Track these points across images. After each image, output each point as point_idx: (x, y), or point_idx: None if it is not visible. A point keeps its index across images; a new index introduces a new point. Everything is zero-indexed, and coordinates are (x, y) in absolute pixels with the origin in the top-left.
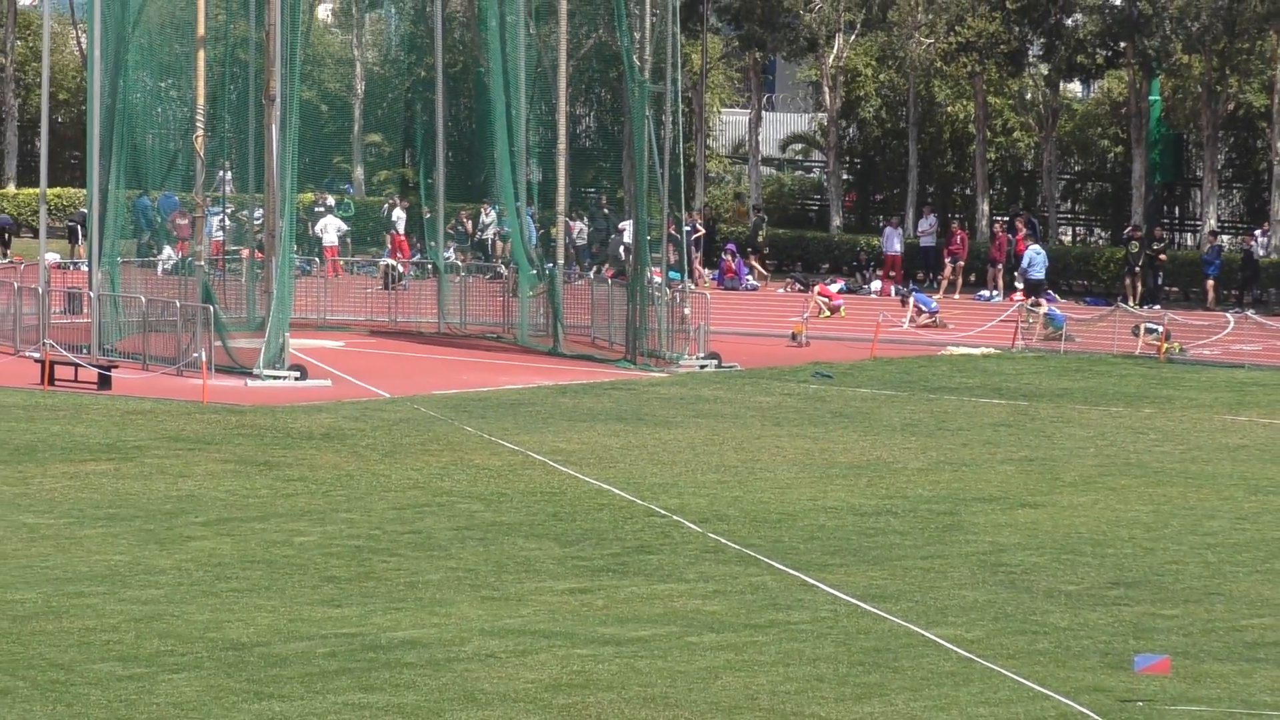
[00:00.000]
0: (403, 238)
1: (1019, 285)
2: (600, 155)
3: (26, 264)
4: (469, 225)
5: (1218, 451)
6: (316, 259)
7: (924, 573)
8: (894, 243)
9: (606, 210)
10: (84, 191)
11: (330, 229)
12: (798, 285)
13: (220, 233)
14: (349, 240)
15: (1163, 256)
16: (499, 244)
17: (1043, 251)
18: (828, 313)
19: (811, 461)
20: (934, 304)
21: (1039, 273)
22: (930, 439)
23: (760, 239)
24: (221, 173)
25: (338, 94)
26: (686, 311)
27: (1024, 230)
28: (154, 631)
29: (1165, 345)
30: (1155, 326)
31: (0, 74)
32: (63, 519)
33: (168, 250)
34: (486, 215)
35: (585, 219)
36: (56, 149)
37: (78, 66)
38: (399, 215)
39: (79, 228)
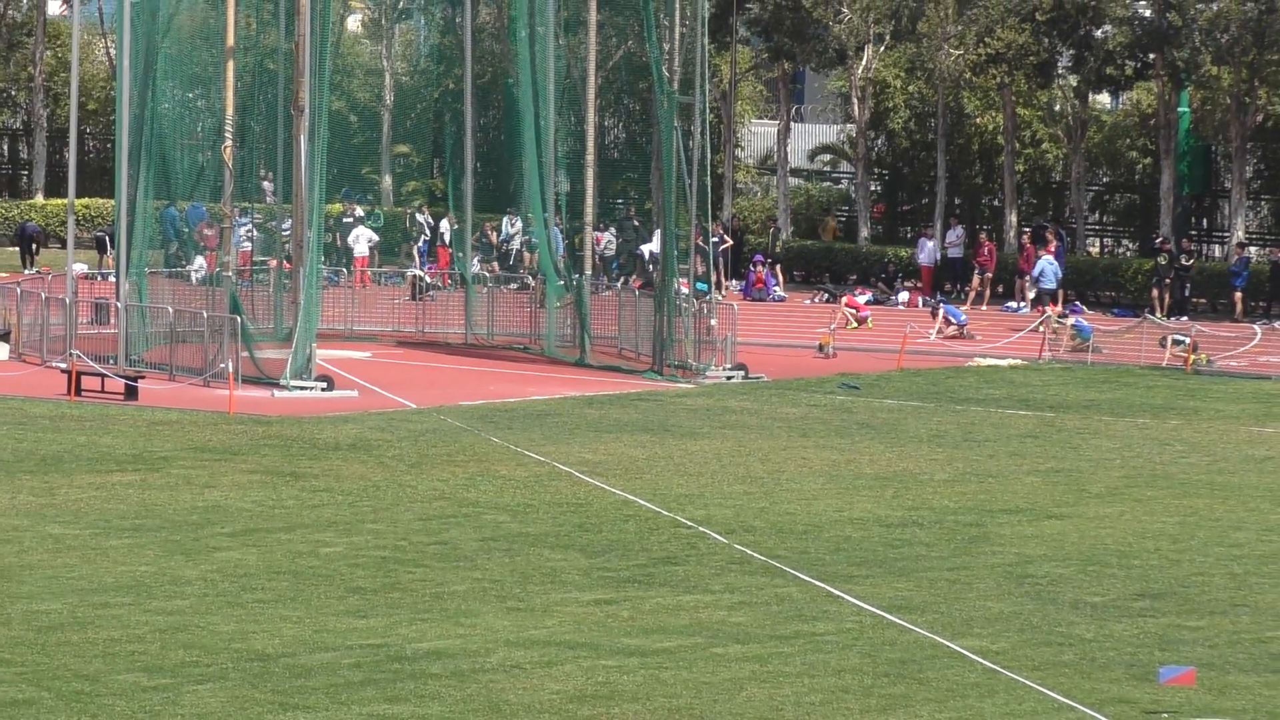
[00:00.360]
0: (449, 249)
1: (1030, 294)
2: (629, 166)
3: (54, 275)
4: (493, 236)
5: (1244, 463)
6: (344, 269)
7: (949, 584)
8: (926, 253)
9: (635, 222)
10: (112, 202)
11: (361, 239)
12: (826, 296)
13: (248, 243)
14: (377, 251)
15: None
16: (526, 254)
17: (1055, 262)
18: (855, 324)
19: (838, 473)
20: (962, 316)
21: (1050, 283)
22: (956, 450)
23: (777, 249)
24: (265, 183)
25: (367, 104)
26: (713, 323)
27: (1054, 243)
28: (179, 642)
29: (1192, 356)
30: (1182, 338)
31: (30, 84)
32: (89, 530)
33: (199, 260)
34: (511, 225)
35: (613, 230)
36: (85, 159)
37: (106, 76)
38: (445, 226)
39: (107, 238)
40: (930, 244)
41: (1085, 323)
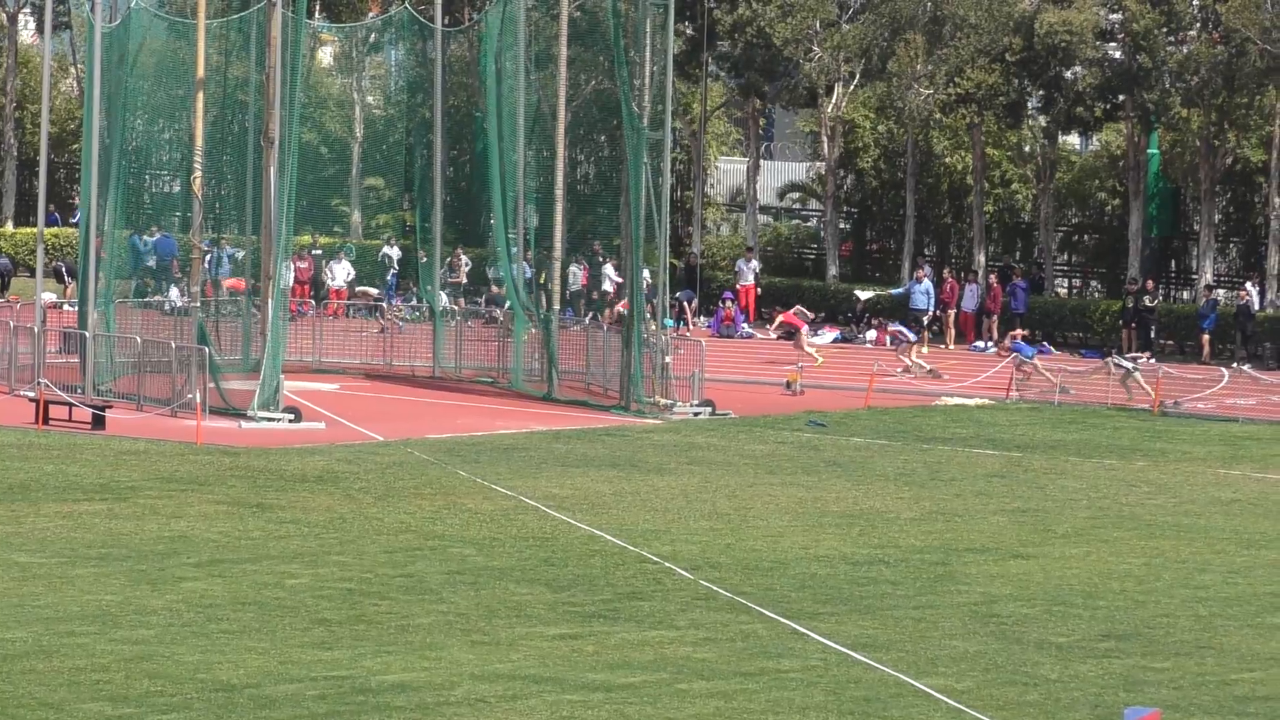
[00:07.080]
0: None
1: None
2: (598, 201)
3: (22, 303)
4: (462, 272)
5: (1210, 505)
6: (313, 301)
7: (915, 623)
8: (968, 299)
9: (601, 257)
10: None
11: (339, 273)
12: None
13: (224, 271)
14: (350, 284)
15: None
16: (493, 288)
17: (931, 292)
18: (820, 359)
19: (804, 510)
20: (913, 335)
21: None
22: (923, 489)
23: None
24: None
25: (338, 136)
26: (667, 360)
27: (1023, 282)
28: (144, 672)
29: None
30: (1126, 364)
31: (0, 112)
32: (55, 558)
33: (174, 291)
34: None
35: (583, 264)
36: (54, 188)
37: (76, 106)
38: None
39: (64, 269)
40: (972, 288)
41: (1024, 344)
